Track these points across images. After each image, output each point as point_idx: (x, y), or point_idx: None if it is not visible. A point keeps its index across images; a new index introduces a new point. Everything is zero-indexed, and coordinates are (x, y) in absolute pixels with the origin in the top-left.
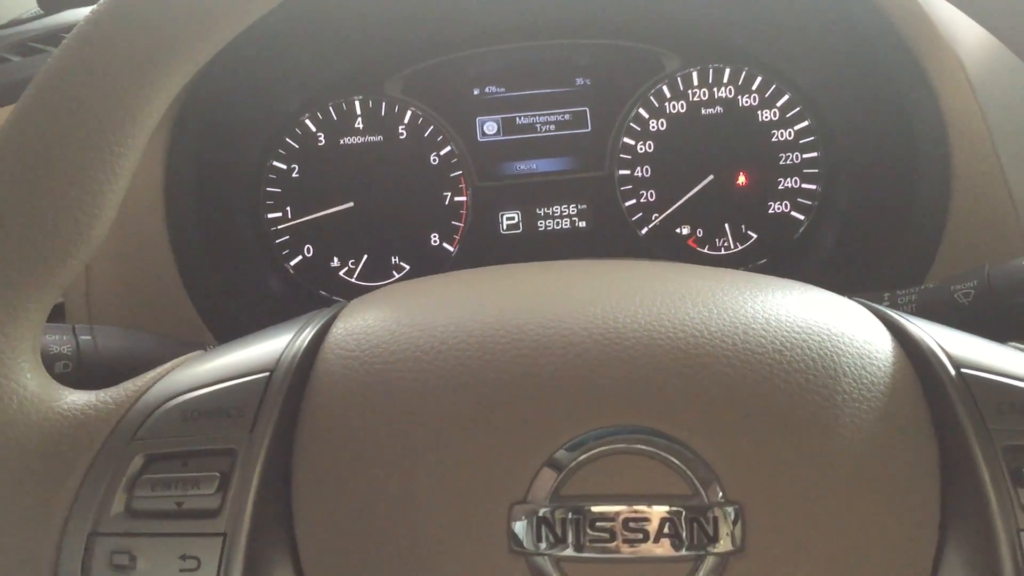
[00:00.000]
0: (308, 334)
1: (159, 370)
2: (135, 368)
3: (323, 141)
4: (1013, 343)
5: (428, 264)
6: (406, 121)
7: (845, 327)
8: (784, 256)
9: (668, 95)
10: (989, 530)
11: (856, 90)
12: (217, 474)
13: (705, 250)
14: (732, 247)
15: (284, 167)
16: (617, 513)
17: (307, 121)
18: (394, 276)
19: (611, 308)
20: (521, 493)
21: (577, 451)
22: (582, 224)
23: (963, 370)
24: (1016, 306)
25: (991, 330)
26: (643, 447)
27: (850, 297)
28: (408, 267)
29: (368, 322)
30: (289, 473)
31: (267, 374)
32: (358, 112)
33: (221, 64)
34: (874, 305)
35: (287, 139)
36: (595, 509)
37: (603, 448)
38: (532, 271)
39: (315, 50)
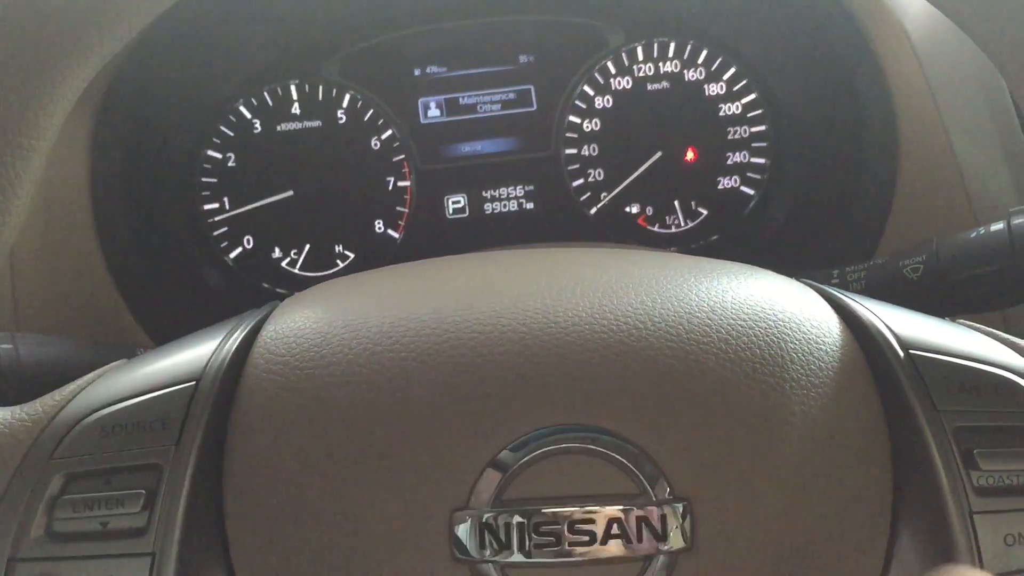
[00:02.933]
0: (237, 338)
1: (79, 382)
2: (61, 377)
3: (259, 128)
4: (961, 320)
5: (373, 252)
6: (345, 105)
7: (792, 311)
8: (735, 232)
9: (613, 71)
10: (942, 514)
11: (802, 61)
12: (142, 491)
13: (655, 228)
14: (683, 224)
15: (219, 156)
16: (563, 515)
17: (241, 108)
18: (338, 265)
19: (551, 301)
20: (463, 498)
21: (519, 453)
22: (529, 206)
23: (912, 351)
24: (964, 280)
25: (940, 305)
26: (588, 445)
27: (798, 278)
28: (352, 256)
29: (299, 323)
30: (220, 487)
31: (193, 383)
32: (294, 97)
33: (146, 51)
34: (821, 286)
35: (221, 127)
36: (539, 512)
37: (546, 449)
38: (469, 263)
39: (247, 33)
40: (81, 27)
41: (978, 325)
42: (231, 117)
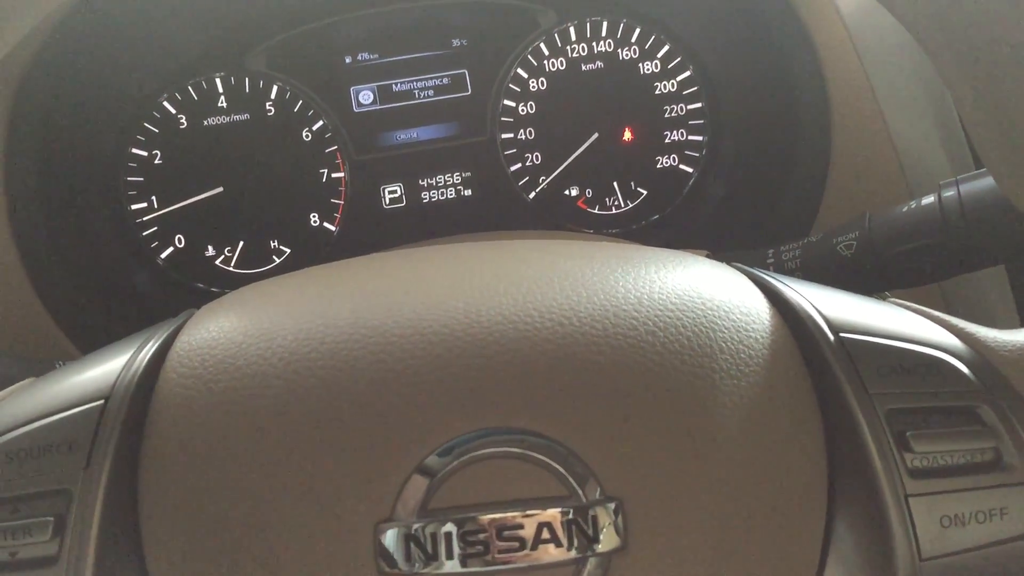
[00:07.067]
0: (148, 351)
1: None
2: None
3: (185, 123)
4: (893, 299)
5: (309, 246)
6: (273, 96)
7: (721, 298)
8: (675, 212)
9: (546, 52)
10: (877, 499)
11: (734, 36)
12: (51, 518)
13: (595, 210)
14: (623, 205)
15: (145, 154)
16: (492, 522)
17: (165, 103)
18: (275, 261)
19: (474, 300)
20: (387, 510)
21: (446, 458)
22: (467, 192)
23: (842, 335)
24: (898, 255)
25: (875, 281)
26: (515, 449)
27: (729, 262)
28: (288, 251)
29: (213, 333)
30: (135, 510)
31: (101, 402)
32: (220, 90)
33: (60, 47)
34: (752, 270)
35: (145, 123)
36: (468, 520)
37: (473, 454)
38: (391, 262)
39: (167, 26)
40: None
41: (908, 303)
42: (155, 113)
